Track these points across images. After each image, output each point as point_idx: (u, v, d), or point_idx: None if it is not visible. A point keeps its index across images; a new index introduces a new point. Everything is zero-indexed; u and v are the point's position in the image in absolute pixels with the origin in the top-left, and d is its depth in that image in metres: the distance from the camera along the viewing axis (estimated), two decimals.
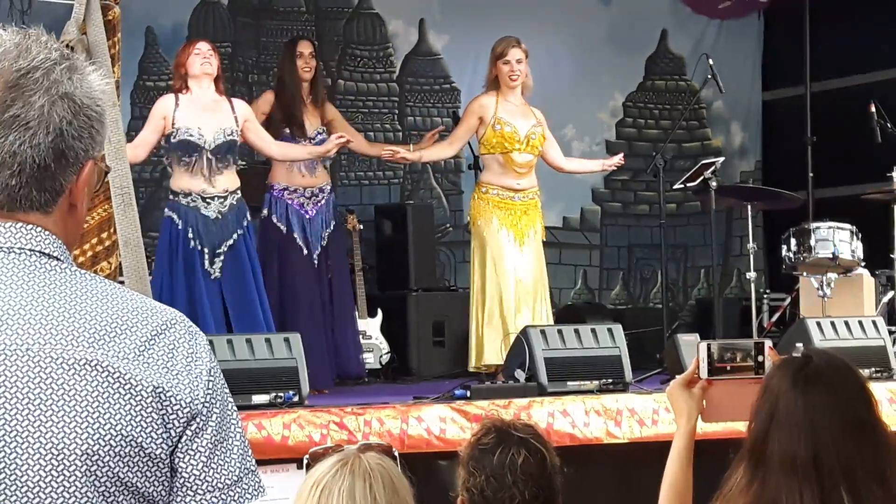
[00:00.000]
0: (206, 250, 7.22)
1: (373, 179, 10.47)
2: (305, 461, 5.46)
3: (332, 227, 8.08)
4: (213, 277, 7.21)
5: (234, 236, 7.29)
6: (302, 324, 7.52)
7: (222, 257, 7.25)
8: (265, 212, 7.94)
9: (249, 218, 7.43)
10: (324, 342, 7.87)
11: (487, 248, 7.89)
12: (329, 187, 8.15)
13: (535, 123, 8.07)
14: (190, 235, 7.20)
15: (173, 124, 7.26)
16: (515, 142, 7.97)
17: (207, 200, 7.27)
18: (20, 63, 1.76)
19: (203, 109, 7.34)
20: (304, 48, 8.21)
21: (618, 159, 8.36)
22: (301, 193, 7.96)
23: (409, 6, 10.71)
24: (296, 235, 7.90)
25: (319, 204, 8.01)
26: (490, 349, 7.84)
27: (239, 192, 7.39)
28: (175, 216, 7.24)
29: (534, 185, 8.07)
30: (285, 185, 7.94)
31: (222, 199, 7.29)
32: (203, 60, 7.34)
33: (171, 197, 7.35)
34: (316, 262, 7.96)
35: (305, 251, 7.91)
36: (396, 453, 2.73)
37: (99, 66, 1.89)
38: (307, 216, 7.96)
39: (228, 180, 7.34)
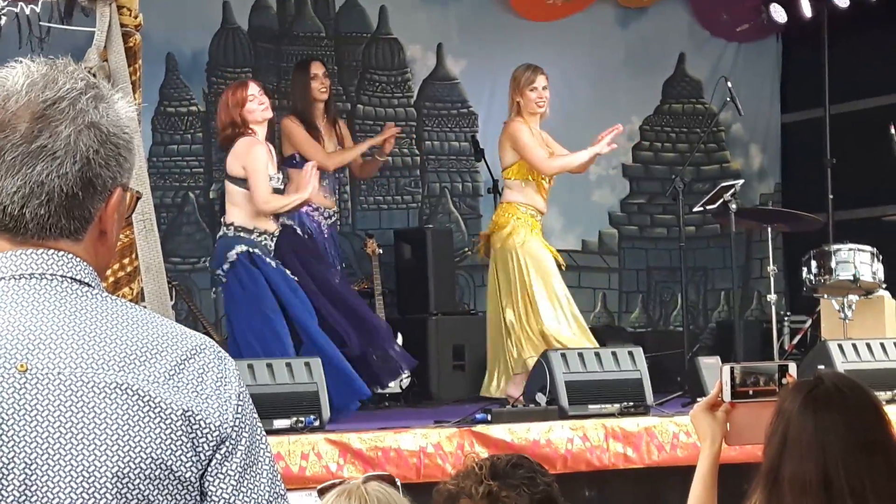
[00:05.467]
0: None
1: (391, 204, 10.48)
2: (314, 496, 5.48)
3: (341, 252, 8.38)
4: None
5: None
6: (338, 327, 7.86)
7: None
8: (298, 230, 8.02)
9: None
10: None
11: (542, 257, 7.87)
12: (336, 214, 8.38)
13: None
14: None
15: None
16: None
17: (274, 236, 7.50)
18: (46, 94, 1.78)
19: (268, 150, 7.47)
20: (318, 69, 8.27)
21: (608, 139, 8.15)
22: (321, 213, 8.15)
23: (426, 31, 10.73)
24: (318, 242, 8.06)
25: (333, 226, 8.31)
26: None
27: None
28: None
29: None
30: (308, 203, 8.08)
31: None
32: (262, 106, 7.37)
33: (255, 237, 7.35)
34: (332, 275, 8.10)
35: (329, 259, 8.13)
36: (399, 483, 2.77)
37: (122, 93, 1.91)
38: (325, 234, 8.15)
39: None
